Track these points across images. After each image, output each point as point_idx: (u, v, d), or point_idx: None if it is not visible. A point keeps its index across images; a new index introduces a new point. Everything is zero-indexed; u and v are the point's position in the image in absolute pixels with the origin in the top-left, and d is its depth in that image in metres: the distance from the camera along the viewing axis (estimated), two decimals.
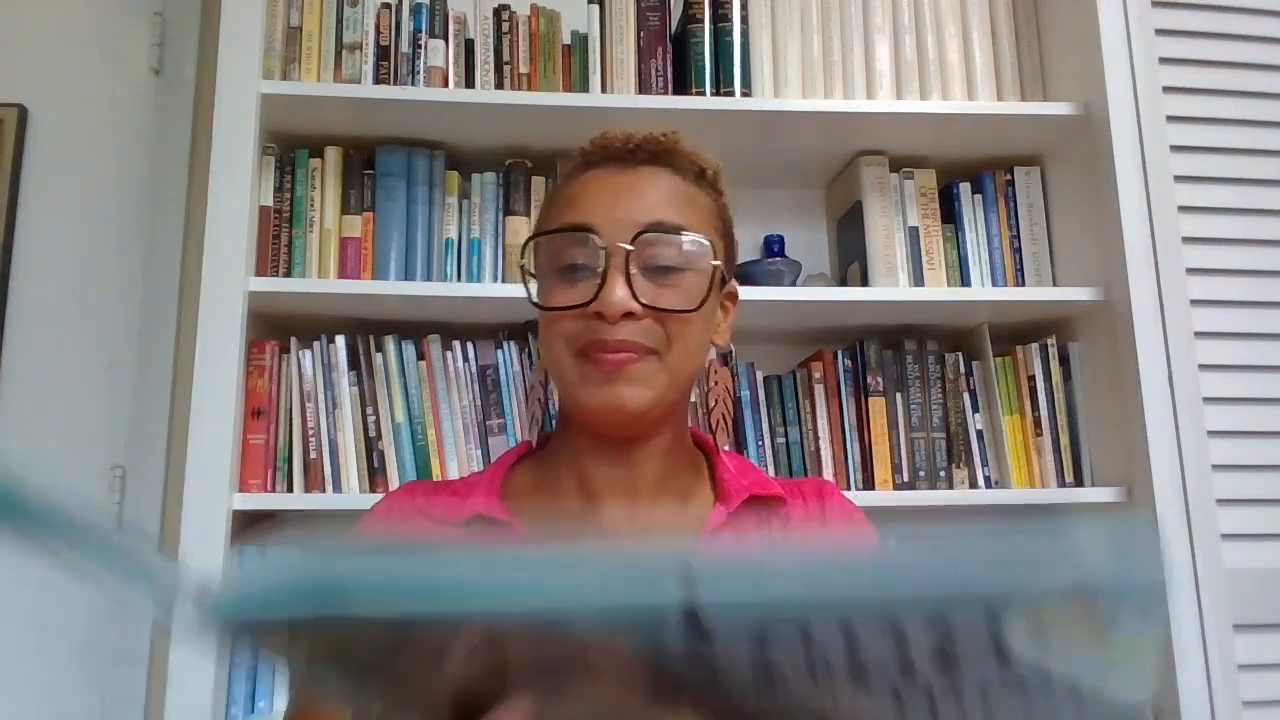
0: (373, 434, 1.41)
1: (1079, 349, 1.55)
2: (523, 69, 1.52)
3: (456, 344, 1.45)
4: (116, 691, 1.55)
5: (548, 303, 0.71)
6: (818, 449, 1.48)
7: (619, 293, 0.68)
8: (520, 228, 1.50)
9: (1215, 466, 1.39)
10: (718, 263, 0.74)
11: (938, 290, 1.54)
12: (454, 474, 1.39)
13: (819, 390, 1.51)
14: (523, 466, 0.81)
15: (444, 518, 0.76)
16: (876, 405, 1.50)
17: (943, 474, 1.50)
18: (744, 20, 1.55)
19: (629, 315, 0.68)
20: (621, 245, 0.69)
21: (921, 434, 1.51)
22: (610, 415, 0.70)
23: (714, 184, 0.79)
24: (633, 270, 0.69)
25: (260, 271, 1.42)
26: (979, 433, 1.52)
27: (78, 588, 1.57)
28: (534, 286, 0.75)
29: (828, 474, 1.47)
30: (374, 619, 0.38)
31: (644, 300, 0.69)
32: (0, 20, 1.75)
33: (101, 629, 1.57)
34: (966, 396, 1.53)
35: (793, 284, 1.58)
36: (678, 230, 0.71)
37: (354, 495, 1.37)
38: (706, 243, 0.72)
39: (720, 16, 1.54)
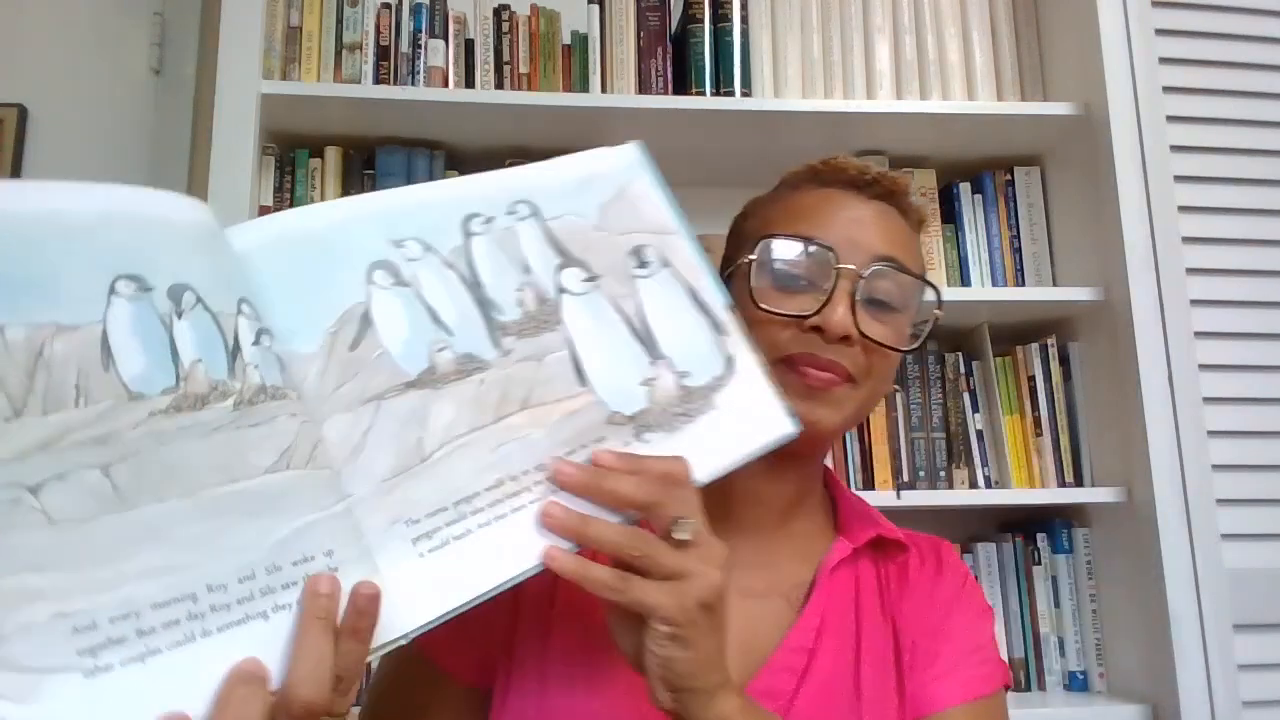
0: None
1: (1079, 349, 1.55)
2: (523, 69, 1.52)
3: None
4: None
5: (766, 305, 0.70)
6: None
7: (844, 314, 0.68)
8: None
9: (1215, 466, 1.39)
10: (939, 312, 0.76)
11: None
12: None
13: None
14: None
15: None
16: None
17: (943, 474, 1.50)
18: (744, 20, 1.55)
19: (845, 339, 0.69)
20: (855, 270, 0.69)
21: (921, 434, 1.51)
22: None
23: (921, 230, 0.81)
24: (857, 297, 0.69)
25: None
26: (979, 433, 1.52)
27: None
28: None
29: None
30: None
31: (862, 328, 0.69)
32: (0, 20, 1.75)
33: None
34: (966, 396, 1.53)
35: None
36: (907, 271, 0.72)
37: None
38: (930, 289, 0.74)
39: (720, 16, 1.54)
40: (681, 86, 1.53)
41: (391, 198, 0.56)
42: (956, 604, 0.76)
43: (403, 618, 0.48)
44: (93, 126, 1.72)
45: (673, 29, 1.56)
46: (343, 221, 0.54)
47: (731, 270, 0.75)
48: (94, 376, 0.42)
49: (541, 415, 0.55)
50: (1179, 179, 1.47)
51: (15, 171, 1.68)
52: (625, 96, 1.50)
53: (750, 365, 0.62)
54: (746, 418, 0.61)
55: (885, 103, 1.55)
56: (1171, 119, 1.49)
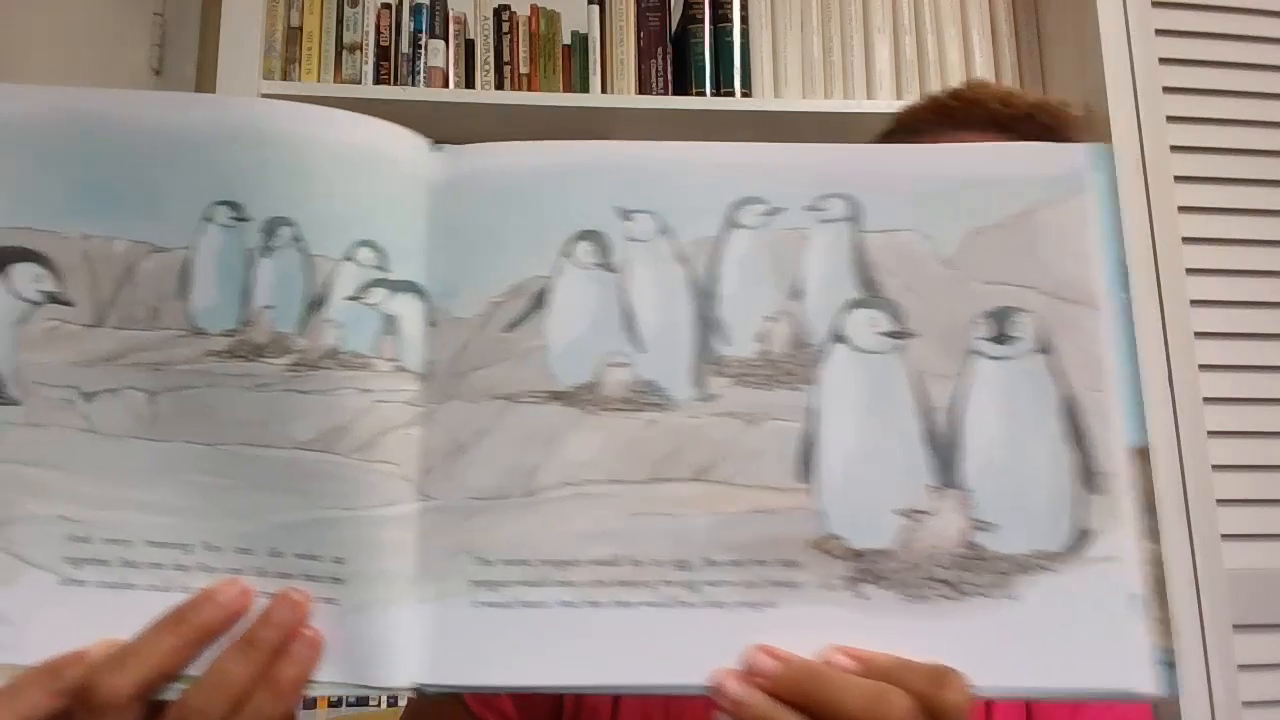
0: None
1: None
2: (523, 69, 1.52)
3: None
4: None
5: None
6: None
7: None
8: None
9: (1215, 467, 1.39)
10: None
11: None
12: None
13: None
14: None
15: None
16: None
17: None
18: (744, 20, 1.55)
19: None
20: None
21: None
22: None
23: None
24: None
25: None
26: None
27: None
28: None
29: None
30: None
31: None
32: (0, 20, 1.75)
33: None
34: None
35: None
36: None
37: None
38: None
39: (720, 17, 1.54)
40: (681, 87, 1.53)
41: (646, 152, 0.43)
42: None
43: (409, 666, 0.39)
44: None
45: (673, 29, 1.56)
46: (572, 168, 0.43)
47: None
48: (169, 302, 0.41)
49: (719, 497, 0.40)
50: (1179, 179, 1.47)
51: None
52: (625, 97, 1.50)
53: (1125, 558, 0.39)
54: (1068, 640, 0.38)
55: (885, 103, 1.55)
56: (1171, 119, 1.49)
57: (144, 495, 0.41)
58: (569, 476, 0.40)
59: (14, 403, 0.41)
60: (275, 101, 0.43)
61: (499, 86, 1.51)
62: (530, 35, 1.54)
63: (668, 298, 0.42)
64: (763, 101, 1.52)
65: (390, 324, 0.41)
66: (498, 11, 1.54)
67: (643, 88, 1.52)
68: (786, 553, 0.39)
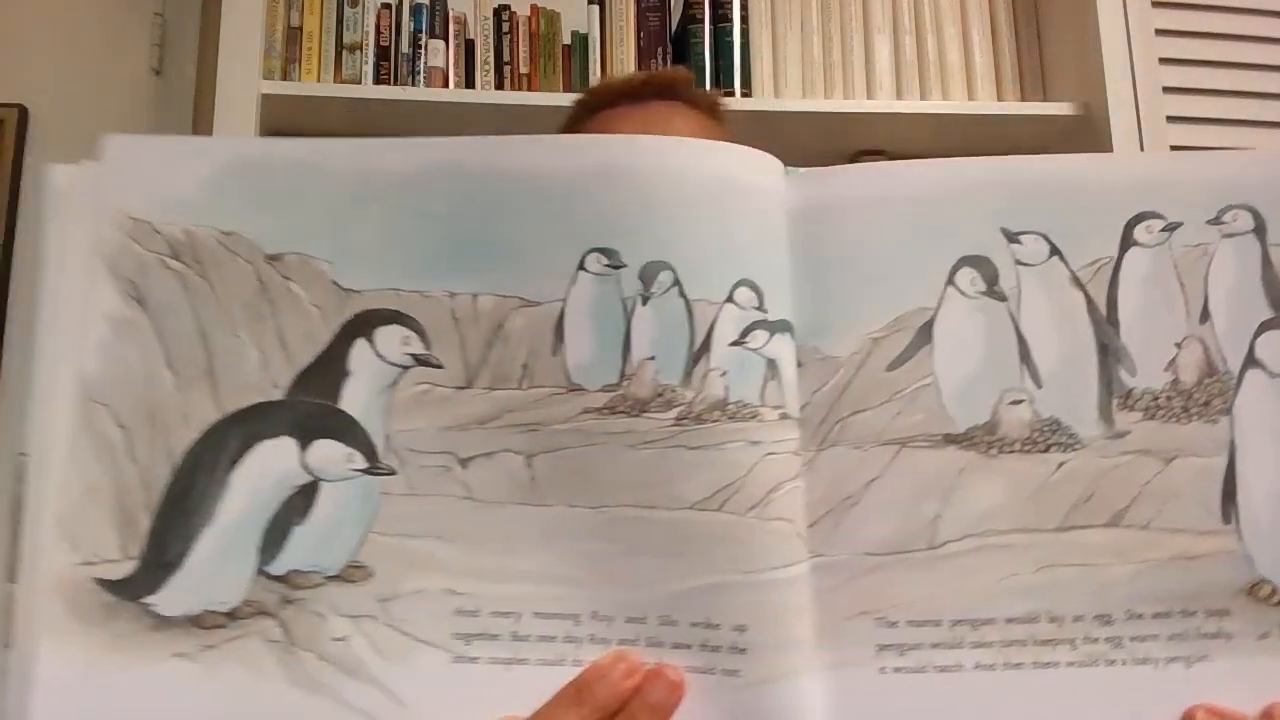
0: None
1: None
2: (523, 69, 1.52)
3: None
4: None
5: None
6: None
7: None
8: None
9: None
10: None
11: None
12: None
13: None
14: None
15: None
16: None
17: None
18: (744, 20, 1.55)
19: None
20: None
21: None
22: None
23: (722, 120, 0.72)
24: None
25: None
26: None
27: None
28: None
29: None
30: None
31: None
32: (0, 20, 1.75)
33: None
34: None
35: None
36: None
37: None
38: None
39: (720, 16, 1.54)
40: None
41: (1029, 167, 0.41)
42: None
43: None
44: (93, 126, 1.72)
45: (673, 29, 1.56)
46: (950, 188, 0.40)
47: None
48: (542, 358, 0.39)
49: (1139, 544, 0.37)
50: None
51: (15, 172, 1.68)
52: None
53: None
54: None
55: (885, 103, 1.55)
56: (1171, 119, 1.49)
57: (528, 564, 0.38)
58: (972, 527, 0.37)
59: (391, 472, 0.39)
60: (637, 137, 0.41)
61: (499, 86, 1.51)
62: (530, 35, 1.54)
63: (1065, 326, 0.39)
64: (763, 101, 1.52)
65: (772, 368, 0.39)
66: (498, 11, 1.54)
67: None
68: (1215, 601, 0.36)
